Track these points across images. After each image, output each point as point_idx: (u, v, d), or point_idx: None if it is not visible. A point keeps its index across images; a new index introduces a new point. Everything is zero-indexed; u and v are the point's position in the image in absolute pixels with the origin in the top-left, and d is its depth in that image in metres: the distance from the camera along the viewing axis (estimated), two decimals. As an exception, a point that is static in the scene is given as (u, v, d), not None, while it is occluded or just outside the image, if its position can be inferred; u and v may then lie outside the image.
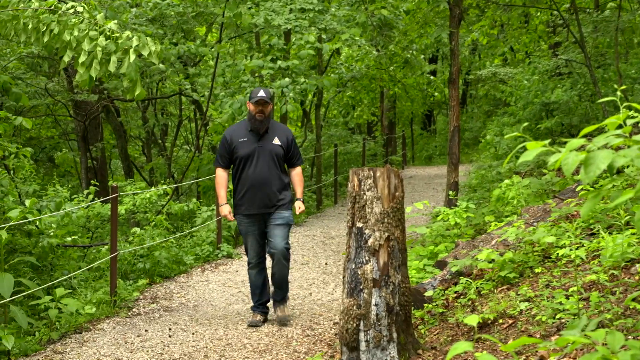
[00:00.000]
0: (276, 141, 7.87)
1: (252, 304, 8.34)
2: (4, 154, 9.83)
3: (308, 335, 7.58)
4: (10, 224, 8.01)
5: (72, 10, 7.92)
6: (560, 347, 4.32)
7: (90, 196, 12.21)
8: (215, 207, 12.92)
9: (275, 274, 7.93)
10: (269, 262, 8.09)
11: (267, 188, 7.79)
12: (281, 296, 8.11)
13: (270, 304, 8.32)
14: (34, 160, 20.93)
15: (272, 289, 8.18)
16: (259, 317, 8.10)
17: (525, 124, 3.95)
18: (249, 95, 8.57)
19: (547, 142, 2.89)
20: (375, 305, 5.56)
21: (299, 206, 7.97)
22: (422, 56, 24.55)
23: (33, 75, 19.40)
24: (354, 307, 5.60)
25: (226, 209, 7.98)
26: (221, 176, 8.02)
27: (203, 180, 16.73)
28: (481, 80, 29.03)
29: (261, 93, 7.77)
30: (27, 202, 8.38)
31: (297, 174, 8.08)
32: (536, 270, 6.50)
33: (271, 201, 7.82)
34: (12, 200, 9.66)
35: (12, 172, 11.33)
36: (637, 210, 2.79)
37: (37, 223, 9.37)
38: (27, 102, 9.23)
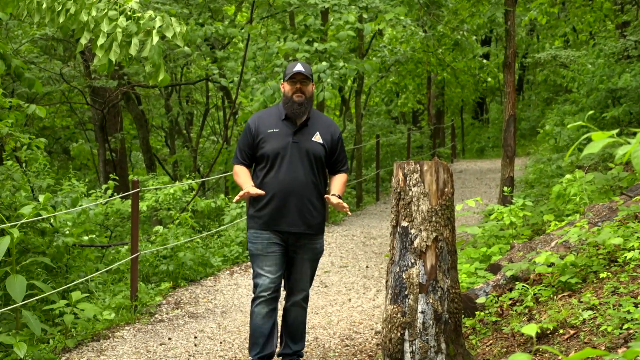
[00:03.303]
0: (317, 138, 6.50)
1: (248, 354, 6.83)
2: (15, 145, 9.94)
3: (347, 345, 7.59)
4: (23, 221, 8.10)
5: (89, -12, 7.98)
6: (628, 361, 4.28)
7: (109, 191, 12.34)
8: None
9: (290, 318, 6.69)
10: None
11: (300, 199, 6.39)
12: (296, 350, 6.77)
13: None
14: (48, 152, 21.15)
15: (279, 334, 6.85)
16: None
17: (590, 112, 3.92)
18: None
19: (614, 132, 2.86)
20: (422, 312, 5.55)
21: (333, 199, 6.46)
22: (474, 37, 24.44)
23: (47, 60, 19.62)
24: (398, 315, 5.60)
25: (252, 188, 6.34)
26: (241, 169, 6.58)
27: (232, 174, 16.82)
28: (540, 64, 28.84)
29: (298, 67, 6.46)
30: (41, 198, 8.47)
31: (339, 176, 6.69)
32: (601, 276, 6.45)
33: (304, 219, 6.42)
34: (24, 196, 9.78)
35: (24, 165, 11.46)
36: None
37: (52, 220, 9.47)
38: (41, 89, 9.32)
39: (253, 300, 6.48)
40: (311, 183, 6.43)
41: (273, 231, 6.40)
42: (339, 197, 6.51)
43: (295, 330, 6.68)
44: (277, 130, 6.46)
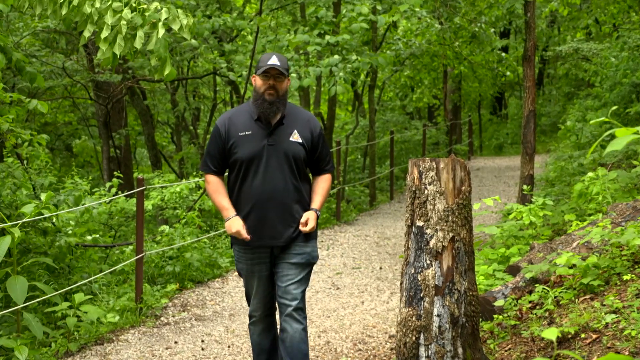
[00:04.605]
0: (295, 137, 6.01)
1: None
2: (16, 141, 9.96)
3: (360, 350, 7.59)
4: (24, 220, 8.12)
5: (93, -21, 7.99)
6: (652, 367, 4.27)
7: (113, 190, 12.35)
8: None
9: (286, 340, 5.95)
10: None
11: (281, 207, 5.95)
12: None
13: None
14: (50, 149, 21.23)
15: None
16: None
17: (613, 107, 3.89)
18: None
19: (638, 128, 2.85)
20: (438, 315, 5.54)
21: (307, 217, 5.96)
22: (492, 30, 24.39)
23: (49, 53, 19.65)
24: (413, 318, 5.60)
25: (237, 223, 5.92)
26: (214, 182, 6.10)
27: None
28: (561, 58, 28.74)
29: (273, 60, 5.93)
30: (43, 196, 8.49)
31: (322, 180, 6.19)
32: (624, 278, 6.43)
33: (287, 228, 5.97)
34: (25, 194, 9.81)
35: (25, 162, 11.49)
36: None
37: (54, 220, 9.49)
38: (43, 83, 9.33)
39: (249, 316, 6.30)
40: (292, 189, 5.98)
41: (257, 248, 6.00)
42: (317, 214, 6.07)
43: (294, 357, 5.93)
44: (250, 132, 5.98)
